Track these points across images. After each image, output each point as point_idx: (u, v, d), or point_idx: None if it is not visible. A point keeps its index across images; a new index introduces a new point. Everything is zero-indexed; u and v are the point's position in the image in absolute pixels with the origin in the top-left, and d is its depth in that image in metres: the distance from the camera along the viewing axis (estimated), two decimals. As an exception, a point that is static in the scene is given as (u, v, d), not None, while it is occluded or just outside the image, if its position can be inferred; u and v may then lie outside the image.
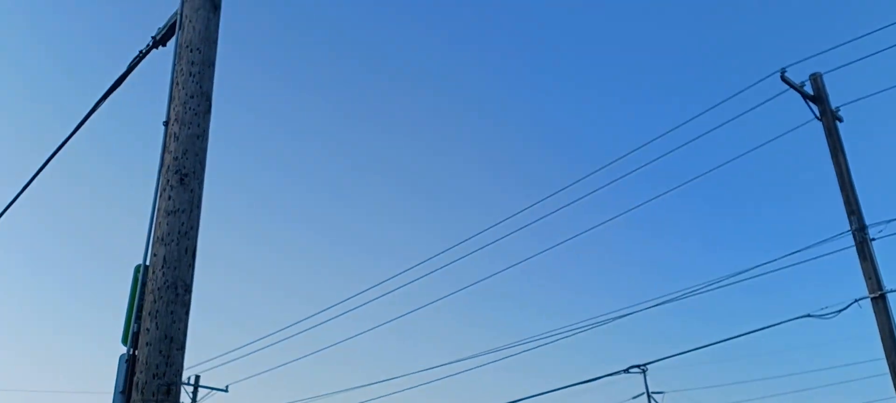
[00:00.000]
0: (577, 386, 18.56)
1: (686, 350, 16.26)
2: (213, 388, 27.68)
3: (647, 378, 31.37)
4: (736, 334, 15.10)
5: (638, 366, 27.05)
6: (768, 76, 13.85)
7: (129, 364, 4.62)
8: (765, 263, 13.88)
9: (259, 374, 30.55)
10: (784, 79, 13.65)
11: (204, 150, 5.13)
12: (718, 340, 15.31)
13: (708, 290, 14.43)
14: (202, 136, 5.14)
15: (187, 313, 4.75)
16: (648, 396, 32.10)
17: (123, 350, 4.73)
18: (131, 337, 4.71)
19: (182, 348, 4.62)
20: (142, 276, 4.89)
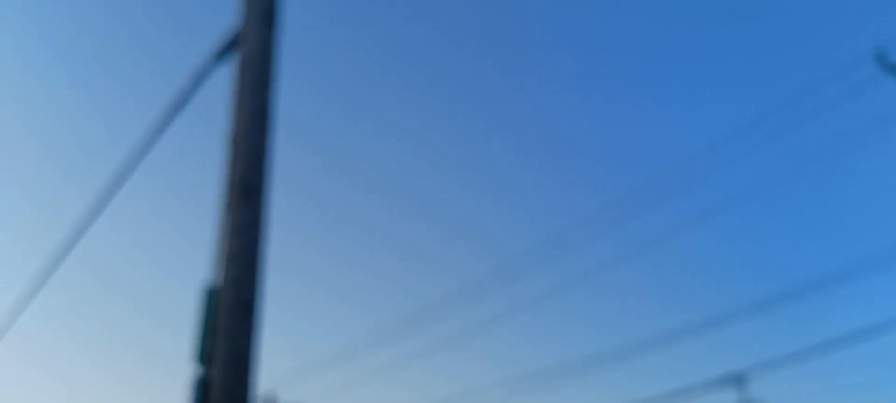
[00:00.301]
0: (670, 396, 17.79)
1: (786, 355, 15.37)
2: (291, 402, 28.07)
3: (745, 386, 30.02)
4: (838, 336, 14.17)
5: (734, 375, 25.90)
6: (858, 59, 13.02)
7: (201, 384, 4.55)
8: (867, 261, 12.97)
9: (337, 386, 30.73)
10: (881, 59, 12.80)
11: (268, 164, 5.05)
12: (820, 343, 14.40)
13: (807, 292, 13.60)
14: (266, 151, 5.06)
15: (258, 330, 4.65)
16: (746, 406, 30.69)
17: (196, 369, 4.67)
18: (203, 357, 4.64)
19: (254, 365, 4.53)
20: (211, 295, 4.82)
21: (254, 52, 5.21)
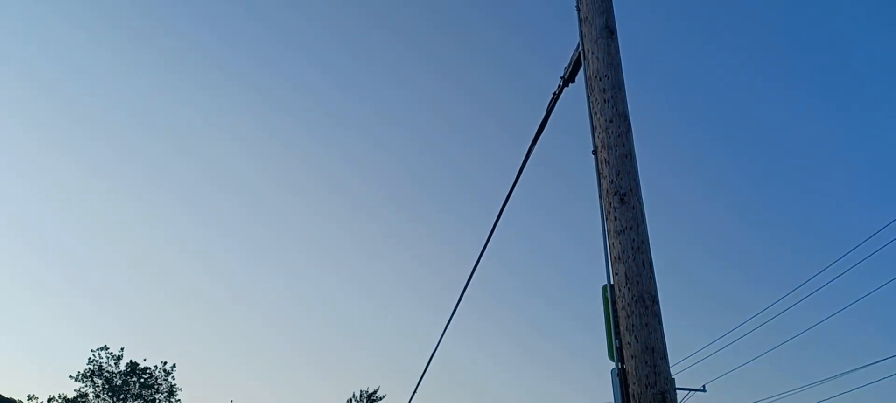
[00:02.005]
0: None
1: None
2: (690, 389, 27.88)
3: None
4: None
5: None
6: None
7: (620, 378, 5.13)
8: None
9: (735, 369, 30.11)
10: None
11: (635, 168, 5.42)
12: None
13: None
14: (630, 155, 5.43)
15: (660, 322, 5.07)
16: None
17: (612, 365, 5.26)
18: (616, 352, 5.21)
19: (664, 356, 4.96)
20: (611, 294, 5.36)
21: (599, 66, 5.58)
